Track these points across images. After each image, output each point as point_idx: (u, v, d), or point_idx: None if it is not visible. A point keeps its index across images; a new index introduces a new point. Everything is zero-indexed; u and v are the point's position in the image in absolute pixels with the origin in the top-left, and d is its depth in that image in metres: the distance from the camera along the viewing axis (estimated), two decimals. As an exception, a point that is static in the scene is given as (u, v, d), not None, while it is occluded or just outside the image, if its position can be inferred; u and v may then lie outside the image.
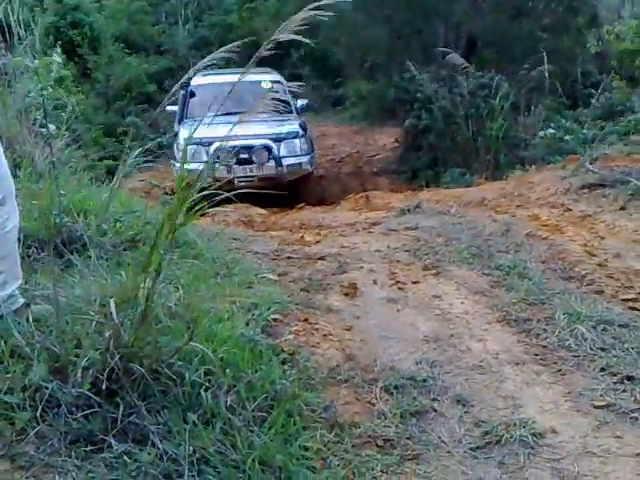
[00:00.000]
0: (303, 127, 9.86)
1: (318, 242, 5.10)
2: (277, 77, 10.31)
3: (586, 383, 2.86)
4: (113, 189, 3.23)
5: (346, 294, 3.85)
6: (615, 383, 2.84)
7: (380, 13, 12.02)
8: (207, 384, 2.33)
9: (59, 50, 6.72)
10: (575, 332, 3.26)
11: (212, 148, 8.12)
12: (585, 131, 9.09)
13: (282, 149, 9.34)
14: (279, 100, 11.06)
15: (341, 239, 5.17)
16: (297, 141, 9.59)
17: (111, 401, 2.21)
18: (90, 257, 3.02)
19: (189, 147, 8.22)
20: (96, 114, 9.85)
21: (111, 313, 2.25)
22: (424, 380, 2.91)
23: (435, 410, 2.71)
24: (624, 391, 2.77)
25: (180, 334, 2.45)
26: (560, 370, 2.99)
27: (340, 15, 12.92)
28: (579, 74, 10.50)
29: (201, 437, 2.14)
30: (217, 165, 8.41)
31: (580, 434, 2.54)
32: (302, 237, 5.31)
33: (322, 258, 4.49)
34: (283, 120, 9.60)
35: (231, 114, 8.77)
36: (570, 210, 5.40)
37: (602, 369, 2.94)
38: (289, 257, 4.46)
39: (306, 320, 3.35)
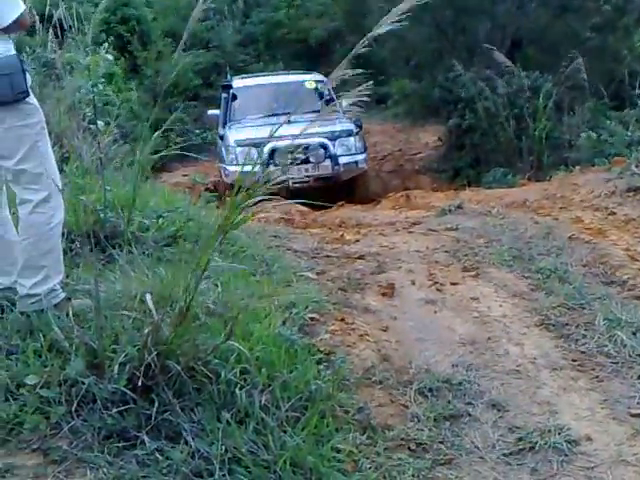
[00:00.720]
0: (358, 125, 9.58)
1: (357, 241, 5.12)
2: (320, 77, 10.14)
3: (623, 390, 2.83)
4: (156, 185, 3.27)
5: (384, 294, 3.86)
6: (653, 392, 2.80)
7: (424, 13, 11.94)
8: (242, 383, 2.36)
9: (110, 47, 6.82)
10: (614, 338, 3.22)
11: (266, 150, 7.92)
12: (630, 133, 8.92)
13: (337, 147, 9.09)
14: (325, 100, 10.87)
15: (381, 238, 5.17)
16: (352, 139, 9.33)
17: (146, 397, 2.25)
18: (131, 253, 3.09)
19: (240, 149, 7.95)
20: (144, 110, 9.96)
21: (150, 309, 2.29)
22: (459, 383, 2.91)
23: (469, 414, 2.71)
24: (662, 400, 2.73)
25: (218, 332, 2.48)
26: (598, 377, 2.96)
27: (384, 14, 12.92)
28: (626, 74, 10.29)
29: (234, 436, 2.17)
30: (271, 167, 8.42)
31: (615, 442, 2.52)
32: (342, 235, 5.33)
33: (361, 257, 4.51)
34: (333, 119, 9.35)
35: (278, 115, 8.64)
36: (614, 213, 5.32)
37: (640, 377, 2.90)
38: (328, 255, 4.49)
39: (343, 320, 3.36)
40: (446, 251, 4.70)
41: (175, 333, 2.31)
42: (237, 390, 2.32)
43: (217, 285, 2.92)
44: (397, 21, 2.41)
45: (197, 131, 12.82)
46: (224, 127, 9.62)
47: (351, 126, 9.38)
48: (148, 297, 2.32)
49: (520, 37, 11.35)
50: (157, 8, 15.56)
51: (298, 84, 9.54)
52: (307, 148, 8.57)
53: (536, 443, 2.50)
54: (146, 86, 12.46)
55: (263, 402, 2.32)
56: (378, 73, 14.98)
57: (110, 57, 4.09)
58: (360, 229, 5.71)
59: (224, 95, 9.77)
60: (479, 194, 7.53)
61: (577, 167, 8.16)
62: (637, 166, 6.19)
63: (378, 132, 13.26)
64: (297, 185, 8.47)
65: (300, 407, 2.40)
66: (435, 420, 2.64)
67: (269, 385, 2.41)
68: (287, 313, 3.09)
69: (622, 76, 10.39)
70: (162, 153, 2.74)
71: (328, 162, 8.94)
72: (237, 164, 8.46)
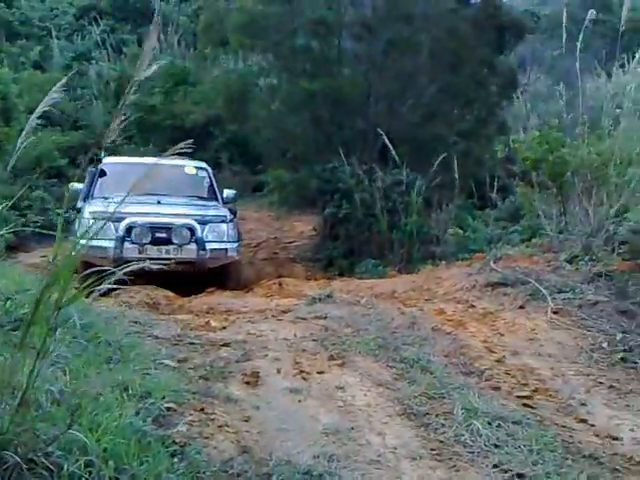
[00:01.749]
0: (232, 212, 9.29)
1: (224, 328, 5.03)
2: (202, 164, 9.94)
3: (479, 480, 2.86)
4: (7, 265, 3.11)
5: (247, 383, 3.78)
6: (506, 480, 2.85)
7: (305, 106, 12.41)
8: (87, 476, 2.21)
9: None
10: (471, 427, 3.29)
11: (123, 224, 7.90)
12: (490, 231, 9.50)
13: (207, 232, 8.49)
14: (205, 187, 10.59)
15: (248, 325, 5.11)
16: (224, 226, 8.82)
17: (-21, 492, 2.07)
18: (-24, 336, 2.89)
19: (93, 222, 7.58)
20: (4, 186, 9.53)
21: (-13, 397, 2.13)
22: (320, 475, 2.84)
23: (329, 507, 2.65)
24: (514, 489, 2.79)
25: (62, 421, 2.33)
26: (455, 466, 2.99)
27: (265, 104, 13.31)
28: (487, 177, 11.06)
29: (74, 534, 2.01)
30: (128, 244, 7.92)
31: (471, 533, 2.52)
32: (208, 322, 5.23)
33: (226, 345, 4.42)
34: (209, 206, 9.22)
35: (150, 195, 8.11)
36: (474, 306, 5.54)
37: (495, 466, 2.96)
38: (191, 343, 4.36)
39: (202, 410, 3.25)
40: (314, 339, 4.70)
41: (12, 422, 2.15)
42: (80, 484, 2.17)
43: (65, 372, 2.76)
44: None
45: (59, 211, 12.43)
46: (84, 201, 8.83)
47: (225, 212, 9.08)
48: (-14, 383, 2.16)
49: (391, 137, 11.97)
50: (22, 85, 15.23)
51: (178, 168, 9.05)
52: (170, 229, 8.25)
53: (392, 536, 2.47)
54: (6, 162, 12.05)
55: (108, 497, 2.17)
56: (256, 161, 15.32)
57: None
58: (228, 316, 5.63)
59: (91, 170, 9.18)
60: (350, 284, 7.68)
61: (443, 261, 8.54)
62: (495, 262, 6.53)
63: (254, 219, 13.39)
64: (155, 268, 8.02)
65: (149, 502, 2.27)
66: (293, 514, 2.55)
67: (117, 478, 2.26)
68: (141, 403, 2.95)
69: (484, 179, 11.15)
70: (9, 230, 2.61)
71: (193, 246, 8.34)
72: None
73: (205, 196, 9.54)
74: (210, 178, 9.80)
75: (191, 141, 2.50)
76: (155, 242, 8.14)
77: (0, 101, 13.13)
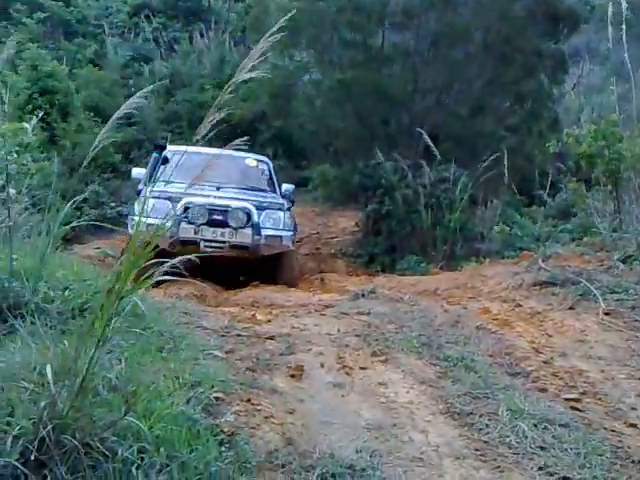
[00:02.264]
0: (290, 201, 9.27)
1: (269, 321, 5.09)
2: (263, 158, 10.01)
3: (523, 482, 2.86)
4: (65, 256, 3.20)
5: (292, 376, 3.82)
6: (552, 483, 2.84)
7: (348, 101, 12.38)
8: (139, 462, 2.28)
9: (33, 118, 6.69)
10: (516, 429, 3.27)
11: (180, 204, 7.88)
12: (538, 228, 9.38)
13: (263, 218, 8.39)
14: (264, 179, 10.49)
15: (292, 320, 5.17)
16: (281, 213, 8.67)
17: (39, 472, 2.15)
18: (34, 324, 2.98)
19: (154, 201, 7.33)
20: (60, 181, 9.76)
21: (48, 382, 2.21)
22: (362, 470, 2.87)
23: (371, 501, 2.68)
24: (560, 492, 2.78)
25: (117, 408, 2.40)
26: (499, 467, 2.99)
27: (309, 100, 13.35)
28: (537, 174, 10.91)
29: (127, 516, 2.08)
30: (184, 224, 7.92)
31: (512, 533, 2.53)
32: (253, 315, 5.30)
33: (272, 338, 4.47)
34: (267, 192, 9.27)
35: (211, 182, 8.00)
36: (520, 306, 5.49)
37: (540, 468, 2.94)
38: (238, 335, 4.43)
39: (249, 400, 3.30)
40: (357, 335, 4.72)
41: (72, 407, 2.23)
42: (133, 469, 2.24)
43: (121, 360, 2.84)
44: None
45: (112, 204, 12.70)
46: (145, 185, 8.72)
47: (282, 201, 9.00)
48: (48, 369, 2.24)
49: (437, 132, 11.88)
50: (79, 81, 15.56)
51: (240, 159, 9.17)
52: (227, 211, 8.20)
53: (435, 532, 2.49)
54: (63, 157, 12.34)
55: (160, 482, 2.24)
56: (301, 156, 15.40)
57: (27, 126, 4.02)
58: (272, 310, 5.70)
59: (154, 155, 9.17)
60: (392, 280, 7.68)
61: (487, 259, 8.47)
62: (543, 261, 6.45)
63: (297, 214, 13.40)
64: (209, 249, 7.83)
65: (198, 489, 2.33)
66: (336, 507, 2.59)
67: (167, 465, 2.33)
68: (192, 392, 3.01)
69: (533, 176, 11.01)
70: (73, 224, 2.69)
71: (249, 230, 8.23)
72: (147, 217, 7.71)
73: (264, 188, 9.54)
74: (270, 171, 9.83)
75: (246, 138, 2.55)
76: (211, 223, 8.10)
77: (58, 98, 13.38)
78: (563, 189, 10.43)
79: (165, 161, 8.71)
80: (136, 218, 7.30)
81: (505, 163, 9.96)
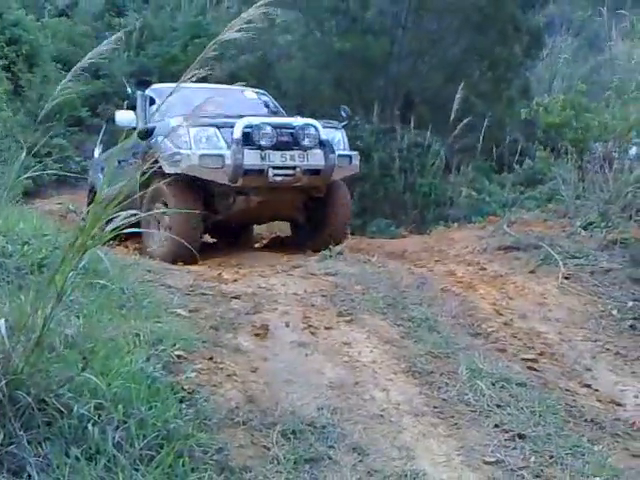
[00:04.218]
0: (346, 116, 7.90)
1: (235, 280, 5.07)
2: (259, 90, 8.55)
3: (479, 438, 2.92)
4: (25, 210, 3.15)
5: (256, 335, 3.83)
6: (507, 440, 2.91)
7: (328, 64, 12.27)
8: (96, 419, 2.27)
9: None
10: (475, 387, 3.34)
11: (239, 126, 6.44)
12: (505, 194, 9.46)
13: (327, 137, 6.96)
14: (272, 110, 9.13)
15: (259, 279, 5.15)
16: (339, 133, 7.25)
17: (-9, 429, 2.13)
18: (-9, 278, 2.94)
19: (196, 130, 6.19)
20: (23, 133, 9.54)
21: (2, 337, 2.18)
22: (323, 427, 2.92)
23: (330, 458, 2.71)
24: (514, 448, 2.84)
25: (74, 364, 2.39)
26: (456, 424, 3.05)
27: (287, 61, 13.19)
28: (507, 140, 10.96)
29: (82, 473, 2.08)
30: (247, 150, 6.38)
31: (468, 489, 2.58)
32: (219, 274, 5.27)
33: (237, 297, 4.46)
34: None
35: (229, 117, 6.84)
36: (484, 269, 5.54)
37: (496, 425, 3.01)
38: (203, 293, 4.41)
39: (211, 359, 3.31)
40: (323, 295, 4.73)
41: (27, 363, 2.20)
42: (90, 426, 2.23)
43: (79, 317, 2.81)
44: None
45: (77, 159, 12.49)
46: (147, 123, 7.12)
47: (334, 122, 7.51)
48: (1, 323, 2.21)
49: (412, 97, 11.82)
50: (48, 32, 15.15)
51: (237, 92, 7.65)
52: (294, 129, 6.77)
53: (392, 487, 2.53)
54: (28, 109, 12.07)
55: (117, 439, 2.24)
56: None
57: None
58: (240, 269, 5.68)
59: (140, 93, 7.68)
60: (361, 242, 7.68)
61: (455, 223, 8.52)
62: (508, 226, 6.50)
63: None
64: (279, 178, 6.56)
65: (156, 445, 2.33)
66: (295, 463, 2.63)
67: (125, 422, 2.33)
68: (152, 349, 3.01)
69: (504, 142, 11.06)
70: (27, 175, 2.64)
71: (319, 150, 6.77)
72: (192, 148, 6.34)
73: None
74: (274, 102, 8.51)
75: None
76: (278, 146, 6.63)
77: (25, 48, 13.06)
78: (532, 157, 10.49)
79: (152, 102, 7.55)
80: (183, 151, 6.29)
81: (480, 130, 9.98)
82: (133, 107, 7.61)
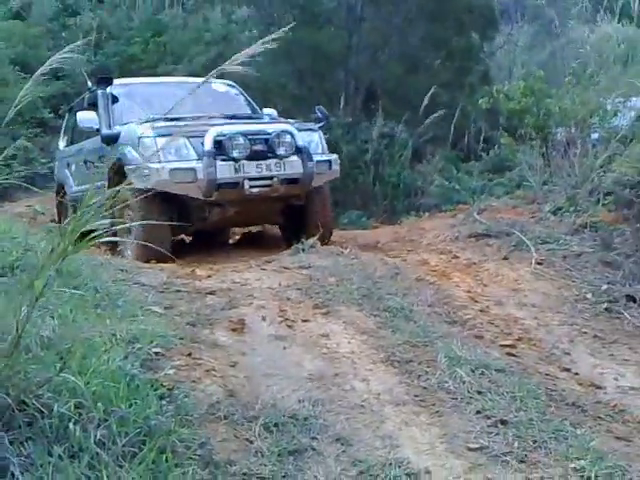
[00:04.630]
0: (324, 118, 7.54)
1: (209, 277, 5.04)
2: (228, 81, 8.01)
3: (462, 425, 2.92)
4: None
5: (234, 330, 3.81)
6: (489, 426, 2.91)
7: (287, 60, 12.25)
8: (77, 417, 2.24)
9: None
10: (454, 375, 3.34)
11: (210, 137, 6.10)
12: (474, 182, 9.55)
13: (304, 141, 6.57)
14: (244, 104, 8.83)
15: (233, 275, 5.13)
16: (316, 136, 6.88)
17: (-29, 431, 2.09)
18: (-38, 282, 2.88)
19: (163, 141, 5.70)
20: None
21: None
22: (305, 419, 2.90)
23: (314, 449, 2.70)
24: (497, 434, 2.85)
25: (52, 365, 2.35)
26: (438, 412, 3.05)
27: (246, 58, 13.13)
28: (471, 129, 11.07)
29: (66, 471, 2.06)
30: (220, 162, 6.08)
31: (453, 475, 2.59)
32: (193, 271, 5.24)
33: (212, 293, 4.44)
34: (275, 118, 7.58)
35: (198, 118, 6.11)
36: (457, 257, 5.58)
37: (478, 412, 3.02)
38: (178, 290, 4.38)
39: (189, 355, 3.28)
40: (298, 288, 4.72)
41: (5, 365, 2.17)
42: (71, 424, 2.20)
43: (54, 317, 2.77)
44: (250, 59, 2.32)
45: (43, 160, 12.30)
46: (110, 128, 6.65)
47: (310, 124, 7.17)
48: (-23, 326, 2.17)
49: (374, 88, 11.86)
50: (4, 35, 14.90)
51: (204, 86, 7.29)
52: (268, 138, 6.38)
53: (377, 476, 2.53)
54: (-13, 112, 11.84)
55: (98, 437, 2.21)
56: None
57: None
58: (213, 265, 5.65)
59: (101, 92, 7.02)
60: (334, 235, 7.68)
61: (426, 213, 8.59)
62: (479, 214, 6.56)
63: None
64: (255, 190, 6.23)
65: (138, 442, 2.31)
66: (279, 455, 2.61)
67: (106, 420, 2.30)
68: (129, 347, 2.97)
69: (469, 131, 11.17)
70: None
71: (297, 158, 6.40)
72: (162, 161, 5.96)
73: (250, 115, 7.70)
74: (244, 94, 8.14)
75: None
76: (253, 157, 6.26)
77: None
78: (497, 144, 10.60)
79: (114, 100, 7.02)
80: (152, 166, 5.88)
81: (446, 119, 10.06)
82: (94, 104, 7.14)
